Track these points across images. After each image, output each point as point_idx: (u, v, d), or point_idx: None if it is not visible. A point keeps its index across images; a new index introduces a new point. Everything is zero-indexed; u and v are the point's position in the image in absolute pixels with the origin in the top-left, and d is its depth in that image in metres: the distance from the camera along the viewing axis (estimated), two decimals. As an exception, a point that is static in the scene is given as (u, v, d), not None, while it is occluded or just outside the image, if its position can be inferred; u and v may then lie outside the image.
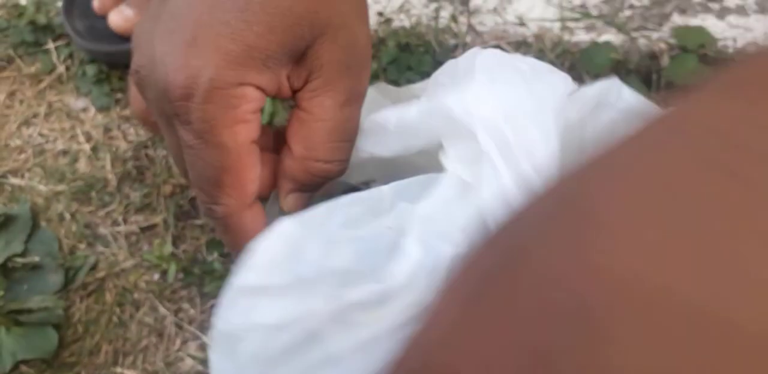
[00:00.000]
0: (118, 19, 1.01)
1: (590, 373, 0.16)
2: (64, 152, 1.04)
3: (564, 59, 0.98)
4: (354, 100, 0.48)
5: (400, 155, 0.49)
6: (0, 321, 0.86)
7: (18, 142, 1.05)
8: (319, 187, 0.53)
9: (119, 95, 1.07)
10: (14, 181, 1.01)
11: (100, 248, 0.94)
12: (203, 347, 0.84)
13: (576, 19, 1.00)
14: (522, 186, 0.39)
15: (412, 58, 0.95)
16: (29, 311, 0.88)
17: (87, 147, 1.03)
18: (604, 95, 0.47)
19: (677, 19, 0.99)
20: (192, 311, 0.88)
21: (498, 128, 0.40)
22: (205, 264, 0.90)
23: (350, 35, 0.47)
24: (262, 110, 0.50)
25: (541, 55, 0.99)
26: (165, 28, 0.42)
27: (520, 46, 1.00)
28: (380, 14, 1.03)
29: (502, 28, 1.02)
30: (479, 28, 1.02)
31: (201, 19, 0.40)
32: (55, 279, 0.91)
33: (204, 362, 0.83)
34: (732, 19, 0.98)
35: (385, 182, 0.46)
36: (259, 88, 0.44)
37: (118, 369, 0.85)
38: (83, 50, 1.07)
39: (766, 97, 0.20)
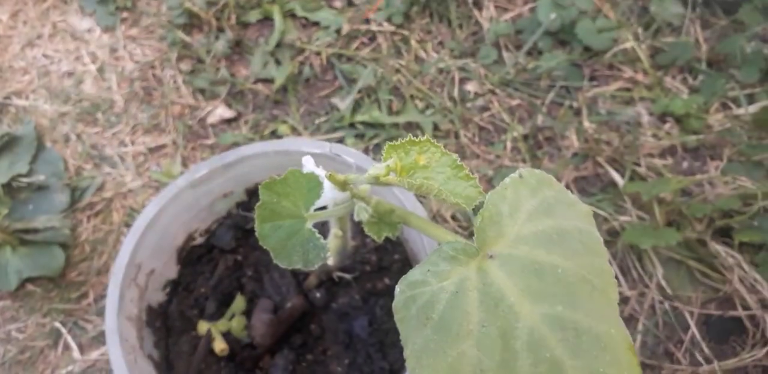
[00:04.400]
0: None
1: None
2: (69, 73, 1.00)
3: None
4: None
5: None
6: (5, 239, 0.84)
7: (22, 63, 1.01)
8: None
9: (125, 14, 1.03)
10: (18, 102, 0.98)
11: (106, 169, 0.91)
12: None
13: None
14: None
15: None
16: (35, 230, 0.86)
17: (92, 68, 1.00)
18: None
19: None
20: (201, 232, 0.85)
21: None
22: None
23: None
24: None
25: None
26: None
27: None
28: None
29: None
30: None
31: None
32: (61, 198, 0.89)
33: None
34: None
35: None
36: None
37: (126, 290, 0.83)
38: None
39: None
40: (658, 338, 0.74)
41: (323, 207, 0.48)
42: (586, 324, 0.35)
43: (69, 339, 0.80)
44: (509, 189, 0.39)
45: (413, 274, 0.38)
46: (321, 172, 0.45)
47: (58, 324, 0.81)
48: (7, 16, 1.05)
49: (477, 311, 0.36)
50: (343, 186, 0.45)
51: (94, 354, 0.79)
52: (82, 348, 0.80)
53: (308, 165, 0.48)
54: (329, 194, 0.47)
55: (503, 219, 0.38)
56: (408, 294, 0.38)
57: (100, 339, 0.80)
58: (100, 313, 0.81)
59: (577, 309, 0.36)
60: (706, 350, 0.73)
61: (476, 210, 0.41)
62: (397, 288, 0.39)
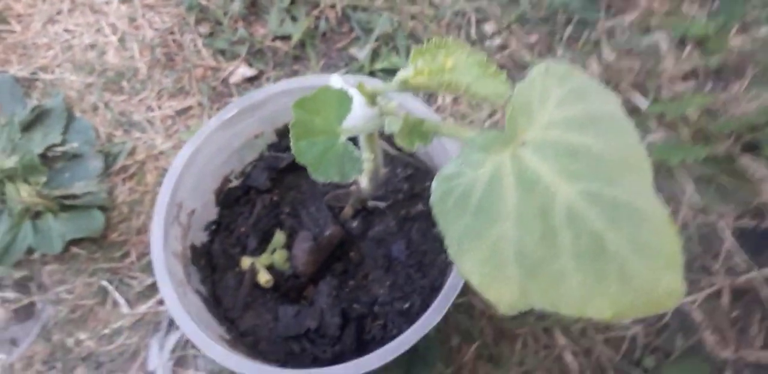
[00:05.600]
0: None
1: None
2: (92, 45, 1.02)
3: None
4: None
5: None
6: (47, 206, 0.86)
7: (45, 39, 1.03)
8: None
9: (140, -16, 1.05)
10: (45, 76, 1.00)
11: (136, 134, 0.93)
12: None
13: None
14: None
15: None
16: (74, 196, 0.88)
17: (114, 38, 1.01)
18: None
19: None
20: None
21: None
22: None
23: None
24: None
25: None
26: None
27: None
28: None
29: None
30: None
31: None
32: (96, 164, 0.91)
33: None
34: None
35: None
36: None
37: (167, 247, 0.85)
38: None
39: None
40: (693, 253, 0.75)
41: (353, 128, 0.49)
42: (623, 199, 0.36)
43: (116, 295, 0.83)
44: (537, 80, 0.39)
45: (448, 168, 0.39)
46: (349, 88, 0.46)
47: (104, 283, 0.83)
48: (25, -5, 1.07)
49: (514, 194, 0.37)
50: (372, 98, 0.46)
51: (142, 308, 0.81)
52: (129, 304, 0.82)
53: (335, 83, 0.49)
54: (359, 112, 0.48)
55: (533, 107, 0.39)
56: (444, 188, 0.39)
57: (146, 293, 0.82)
58: (144, 270, 0.84)
59: (614, 185, 0.36)
60: (742, 262, 0.73)
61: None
62: (434, 184, 0.40)
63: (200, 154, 0.61)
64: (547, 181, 0.37)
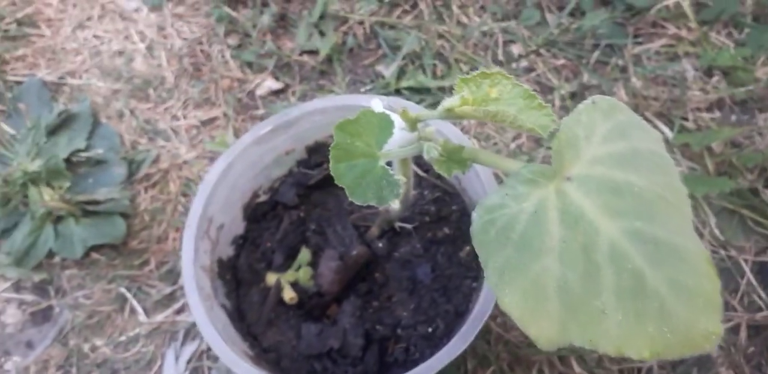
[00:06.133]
0: None
1: None
2: (120, 52, 1.03)
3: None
4: None
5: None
6: (69, 211, 0.87)
7: (74, 44, 1.04)
8: None
9: (171, -7, 1.06)
10: (73, 81, 1.01)
11: (161, 142, 0.94)
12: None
13: None
14: None
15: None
16: (96, 202, 0.89)
17: (142, 46, 1.02)
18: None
19: None
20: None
21: None
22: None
23: None
24: None
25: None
26: None
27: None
28: None
29: None
30: None
31: None
32: (119, 171, 0.92)
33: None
34: None
35: None
36: None
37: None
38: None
39: None
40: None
41: (388, 152, 0.49)
42: (663, 238, 0.36)
43: (134, 303, 0.83)
44: (583, 115, 0.40)
45: (491, 199, 0.40)
46: (390, 113, 0.47)
47: (123, 290, 0.84)
48: (57, 0, 1.08)
49: (557, 228, 0.37)
50: (413, 124, 0.46)
51: (159, 317, 0.82)
52: (147, 312, 0.83)
53: (377, 107, 0.50)
54: (396, 135, 0.48)
55: (579, 142, 0.39)
56: (486, 219, 0.40)
57: (164, 302, 0.83)
58: (163, 279, 0.84)
59: (655, 223, 0.37)
60: (763, 297, 0.73)
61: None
62: (474, 214, 0.40)
63: (233, 168, 0.61)
64: (591, 217, 0.37)
